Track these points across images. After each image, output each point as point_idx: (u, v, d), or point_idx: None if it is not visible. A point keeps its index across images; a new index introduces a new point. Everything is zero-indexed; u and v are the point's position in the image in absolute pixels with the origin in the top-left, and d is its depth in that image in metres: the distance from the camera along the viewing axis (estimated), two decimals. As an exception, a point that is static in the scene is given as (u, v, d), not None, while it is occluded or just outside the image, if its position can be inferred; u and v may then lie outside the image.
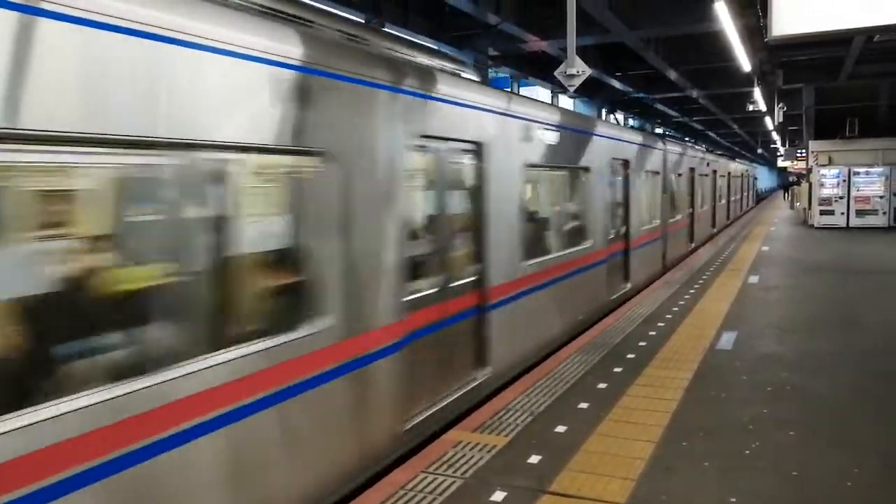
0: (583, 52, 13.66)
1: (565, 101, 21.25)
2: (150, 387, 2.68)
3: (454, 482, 3.83)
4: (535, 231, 6.92)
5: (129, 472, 2.59)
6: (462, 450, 4.28)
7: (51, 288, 2.67)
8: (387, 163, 4.23)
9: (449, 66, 5.64)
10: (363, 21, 10.59)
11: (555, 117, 7.23)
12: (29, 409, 2.31)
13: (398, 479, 3.92)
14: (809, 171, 22.55)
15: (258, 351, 3.19)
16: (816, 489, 3.70)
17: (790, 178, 48.78)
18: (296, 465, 3.46)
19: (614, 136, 9.58)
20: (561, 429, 4.61)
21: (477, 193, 5.53)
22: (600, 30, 11.71)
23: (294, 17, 3.86)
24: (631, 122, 29.16)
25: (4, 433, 2.22)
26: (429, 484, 3.82)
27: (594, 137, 8.46)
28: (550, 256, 7.10)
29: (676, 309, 8.68)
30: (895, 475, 3.87)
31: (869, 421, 4.74)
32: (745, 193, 32.75)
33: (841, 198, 20.77)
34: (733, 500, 3.58)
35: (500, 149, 5.77)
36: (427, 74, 4.87)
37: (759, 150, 54.29)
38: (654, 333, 7.38)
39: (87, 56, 2.49)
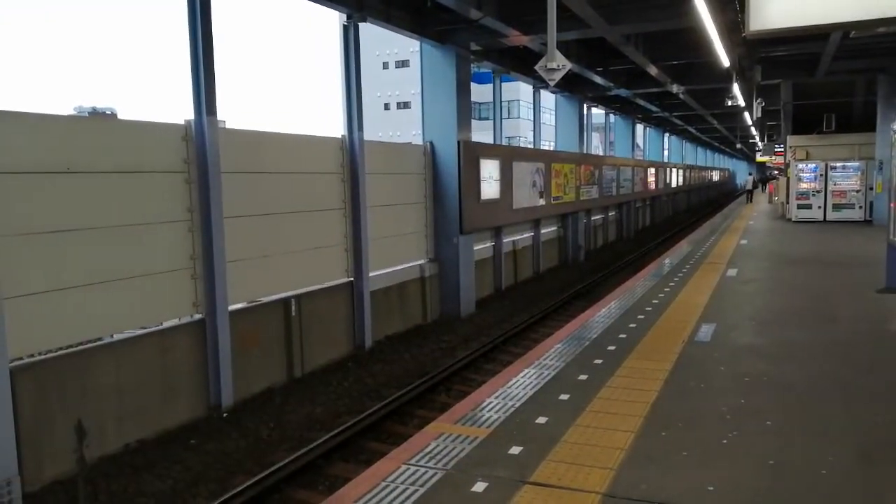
0: (564, 48, 13.73)
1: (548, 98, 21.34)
2: None
3: (436, 473, 3.86)
4: None
5: None
6: (444, 441, 4.31)
7: None
8: None
9: None
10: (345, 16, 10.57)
11: None
12: None
13: (380, 470, 3.93)
14: (787, 165, 22.82)
15: None
16: (792, 477, 3.77)
17: (754, 175, 48.21)
18: None
19: None
20: (542, 420, 4.64)
21: None
22: (581, 25, 11.75)
23: None
24: (613, 117, 29.34)
25: None
26: (411, 475, 3.84)
27: None
28: None
29: (656, 301, 8.76)
30: (868, 463, 3.95)
31: (843, 410, 4.83)
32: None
33: (818, 192, 21.05)
34: (711, 488, 3.63)
35: None
36: None
37: (738, 145, 54.80)
38: (634, 325, 7.45)
39: None
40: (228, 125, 9.18)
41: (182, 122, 7.92)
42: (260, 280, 9.04)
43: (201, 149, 7.90)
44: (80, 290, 6.70)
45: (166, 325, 7.88)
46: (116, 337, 7.37)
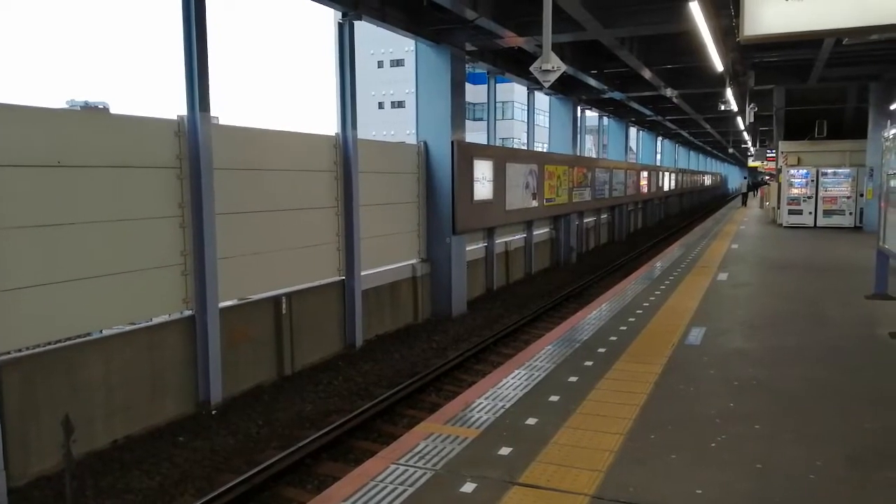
0: (559, 49, 13.75)
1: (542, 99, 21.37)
2: None
3: (425, 473, 3.85)
4: None
5: None
6: (433, 442, 4.30)
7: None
8: None
9: None
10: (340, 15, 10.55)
11: None
12: None
13: (369, 470, 3.92)
14: (779, 171, 22.95)
15: None
16: (780, 481, 3.78)
17: (748, 179, 49.36)
18: None
19: None
20: (532, 421, 4.64)
21: None
22: (576, 27, 11.77)
23: None
24: (606, 120, 29.42)
25: None
26: (400, 475, 3.83)
27: None
28: None
29: (647, 304, 8.78)
30: (856, 468, 3.96)
31: (832, 415, 4.85)
32: None
33: (809, 198, 21.17)
34: (699, 491, 3.64)
35: None
36: None
37: (731, 150, 55.03)
38: (624, 328, 7.46)
39: None
40: (221, 121, 9.15)
41: (175, 118, 7.89)
42: (251, 277, 9.01)
43: (194, 144, 7.87)
44: (69, 284, 6.65)
45: (156, 321, 7.84)
46: (105, 332, 7.33)
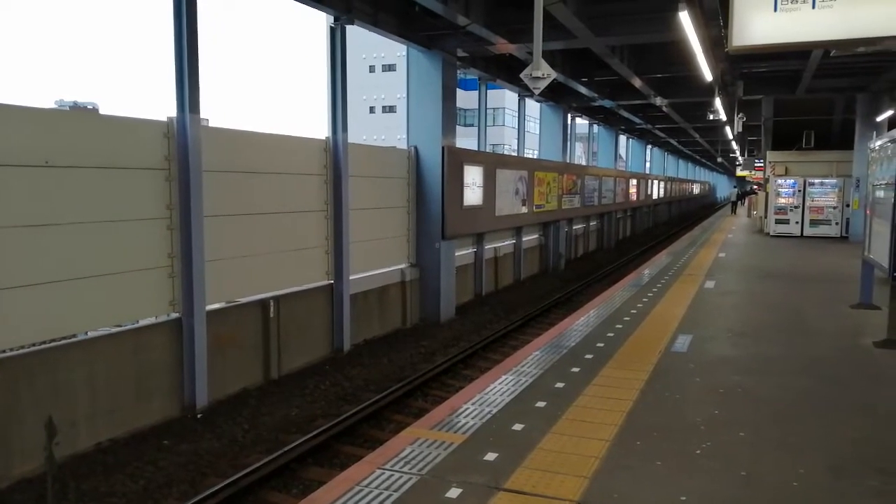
0: (550, 57, 13.81)
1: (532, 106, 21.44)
2: None
3: (410, 479, 3.84)
4: None
5: None
6: (419, 447, 4.29)
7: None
8: None
9: None
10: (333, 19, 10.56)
11: None
12: None
13: (354, 475, 3.91)
14: (766, 180, 23.14)
15: None
16: (764, 489, 3.80)
17: (737, 189, 50.32)
18: None
19: None
20: (518, 427, 4.65)
21: None
22: (568, 35, 11.83)
23: None
24: (596, 128, 29.56)
25: None
26: (384, 480, 3.82)
27: None
28: None
29: (634, 312, 8.82)
30: (838, 476, 3.99)
31: (815, 423, 4.88)
32: None
33: (796, 207, 21.35)
34: (683, 498, 3.65)
35: None
36: None
37: (719, 159, 55.45)
38: (611, 335, 7.49)
39: None
40: (212, 124, 9.11)
41: (164, 119, 7.86)
42: (239, 280, 8.97)
43: (183, 146, 7.84)
44: (55, 286, 6.60)
45: (142, 323, 7.79)
46: (91, 334, 7.27)
